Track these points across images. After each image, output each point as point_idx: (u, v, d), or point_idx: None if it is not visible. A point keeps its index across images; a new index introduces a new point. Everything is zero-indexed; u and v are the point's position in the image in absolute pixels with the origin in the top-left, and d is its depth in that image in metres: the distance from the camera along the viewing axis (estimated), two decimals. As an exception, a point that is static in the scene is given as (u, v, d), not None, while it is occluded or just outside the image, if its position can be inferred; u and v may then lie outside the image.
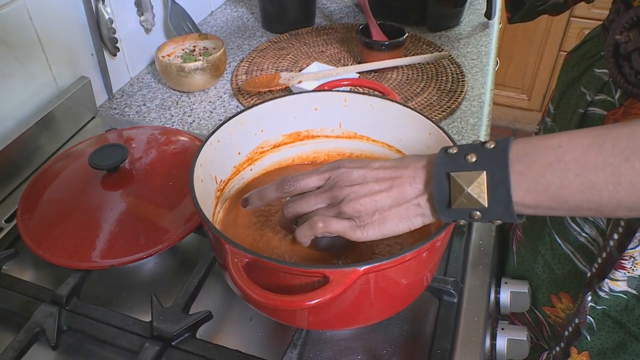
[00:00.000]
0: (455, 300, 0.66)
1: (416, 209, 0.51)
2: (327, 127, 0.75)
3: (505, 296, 0.73)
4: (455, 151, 0.49)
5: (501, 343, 0.68)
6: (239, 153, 0.71)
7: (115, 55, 1.08)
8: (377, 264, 0.48)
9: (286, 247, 0.65)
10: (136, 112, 1.07)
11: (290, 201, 0.58)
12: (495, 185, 0.46)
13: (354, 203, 0.52)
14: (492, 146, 0.47)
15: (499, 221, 0.48)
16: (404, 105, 0.69)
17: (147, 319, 0.64)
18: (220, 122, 0.67)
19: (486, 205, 0.47)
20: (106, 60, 1.07)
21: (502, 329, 0.69)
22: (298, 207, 0.57)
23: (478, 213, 0.48)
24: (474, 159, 0.47)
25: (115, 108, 1.09)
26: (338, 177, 0.55)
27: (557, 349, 0.73)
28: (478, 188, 0.47)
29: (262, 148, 0.74)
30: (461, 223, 0.50)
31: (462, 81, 1.13)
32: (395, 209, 0.51)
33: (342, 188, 0.54)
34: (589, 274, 0.66)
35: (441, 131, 0.64)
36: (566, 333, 0.70)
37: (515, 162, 0.46)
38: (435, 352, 0.61)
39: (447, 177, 0.48)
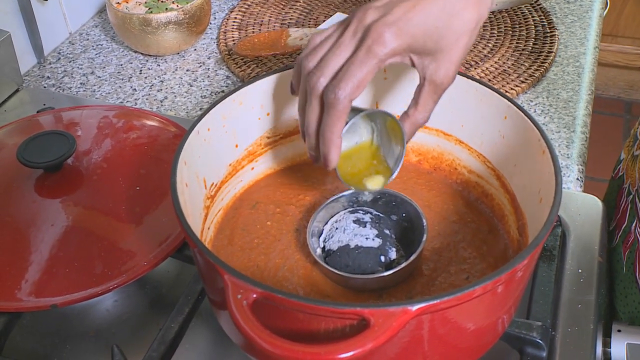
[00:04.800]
0: (544, 354, 0.68)
1: None
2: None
3: (619, 351, 0.72)
4: None
5: None
6: (237, 146, 0.74)
7: (46, -1, 1.09)
8: (435, 302, 0.50)
9: (299, 280, 0.68)
10: (81, 83, 1.10)
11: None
12: None
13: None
14: None
15: None
16: (468, 78, 0.72)
17: (106, 381, 0.66)
18: (211, 104, 0.69)
19: None
20: (32, 5, 1.07)
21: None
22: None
23: None
24: None
25: (49, 77, 1.11)
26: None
27: None
28: None
29: (269, 138, 0.77)
30: None
31: (552, 36, 1.15)
32: None
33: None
34: None
35: (522, 114, 0.67)
36: None
37: None
38: None
39: None
